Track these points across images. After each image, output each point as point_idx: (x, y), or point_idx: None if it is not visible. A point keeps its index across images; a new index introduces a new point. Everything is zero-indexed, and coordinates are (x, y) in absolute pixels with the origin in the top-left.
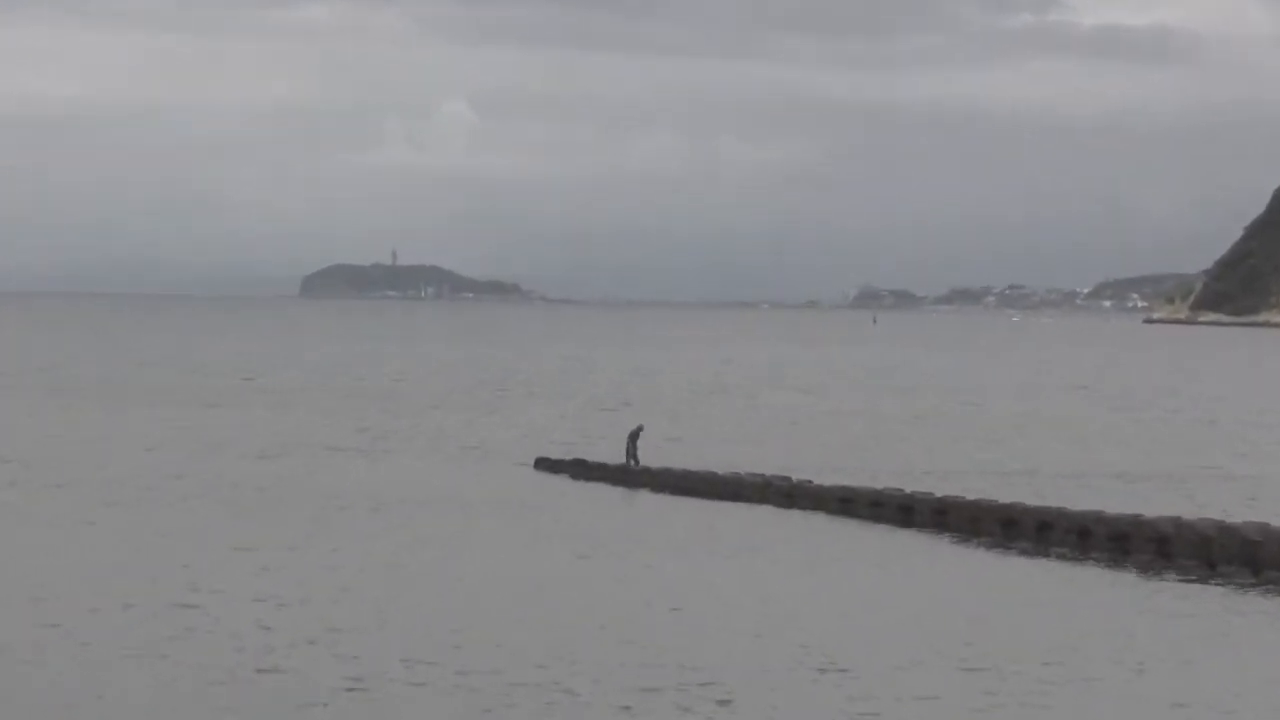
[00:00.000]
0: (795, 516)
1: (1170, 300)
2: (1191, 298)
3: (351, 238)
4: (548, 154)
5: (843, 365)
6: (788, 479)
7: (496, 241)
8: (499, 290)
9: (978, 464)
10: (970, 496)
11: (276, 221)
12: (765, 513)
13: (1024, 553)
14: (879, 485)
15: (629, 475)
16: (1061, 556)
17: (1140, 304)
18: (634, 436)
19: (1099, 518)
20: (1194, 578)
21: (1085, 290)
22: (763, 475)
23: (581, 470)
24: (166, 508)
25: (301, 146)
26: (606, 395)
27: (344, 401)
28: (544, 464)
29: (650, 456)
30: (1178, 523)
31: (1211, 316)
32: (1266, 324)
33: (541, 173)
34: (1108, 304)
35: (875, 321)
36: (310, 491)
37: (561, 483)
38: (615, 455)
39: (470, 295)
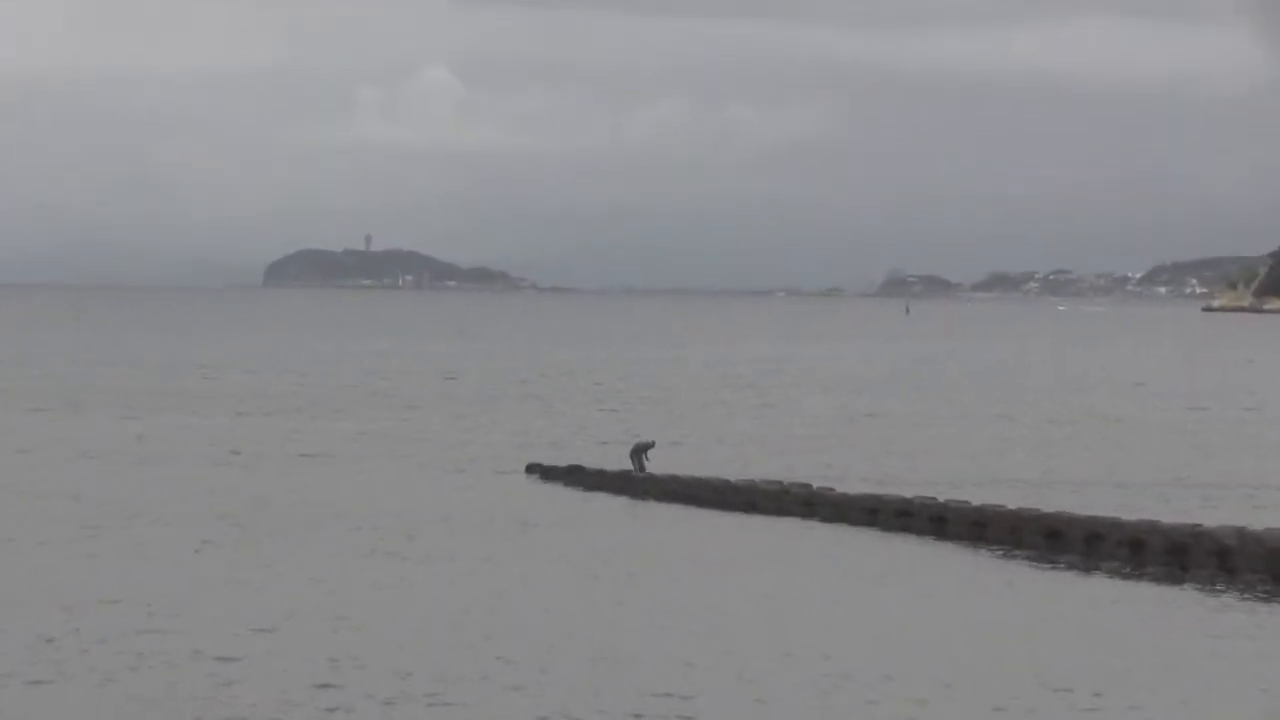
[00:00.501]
0: (816, 528)
1: (1232, 286)
2: (1255, 283)
3: (321, 221)
4: (540, 126)
5: (869, 360)
6: (807, 486)
7: (482, 225)
8: (485, 278)
9: (1020, 469)
10: (1011, 505)
11: (237, 203)
12: (783, 524)
13: (1071, 567)
14: (909, 493)
15: (632, 483)
16: (1113, 571)
17: (1199, 290)
18: (641, 451)
19: (1154, 528)
20: (1260, 594)
21: (1138, 275)
22: (779, 483)
23: (578, 477)
24: (130, 524)
25: (264, 119)
26: (605, 395)
27: (312, 403)
28: (536, 471)
29: (655, 462)
30: (1242, 533)
31: (1277, 304)
32: None
33: (533, 147)
34: (1163, 290)
35: (908, 311)
36: (283, 505)
37: (556, 492)
38: (615, 461)
39: (453, 284)
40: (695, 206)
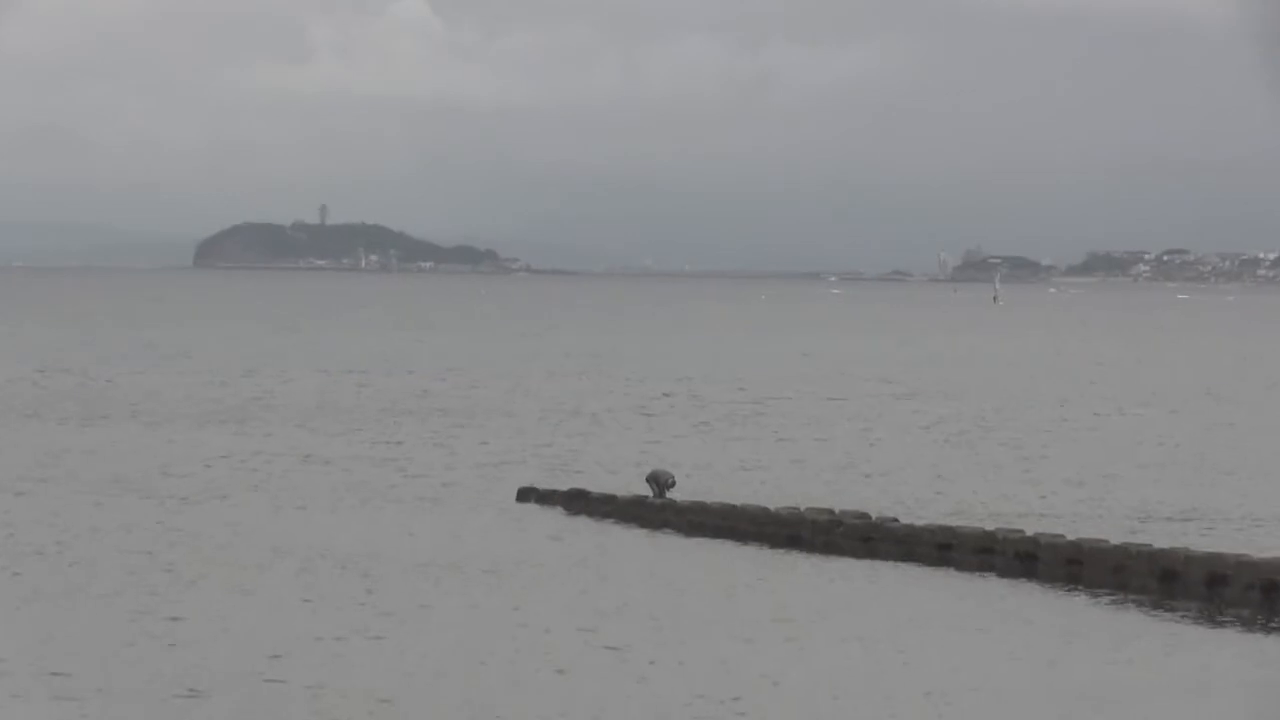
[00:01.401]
0: (879, 569)
1: None
2: None
3: (265, 187)
4: (536, 73)
5: (946, 361)
6: (865, 516)
7: (465, 193)
8: (468, 258)
9: (1132, 497)
10: (1114, 540)
11: (162, 166)
12: (837, 564)
13: (1190, 616)
14: (989, 525)
15: (649, 512)
16: (1242, 620)
17: None
18: (662, 485)
19: None
20: None
21: (1271, 256)
22: (831, 512)
23: (581, 504)
24: (52, 570)
25: (196, 61)
26: (615, 402)
27: (250, 415)
28: (530, 496)
29: (679, 485)
30: None
31: None
32: None
33: (527, 99)
34: None
35: (996, 299)
36: (220, 544)
37: (555, 522)
38: (625, 484)
39: (429, 265)
40: (725, 171)
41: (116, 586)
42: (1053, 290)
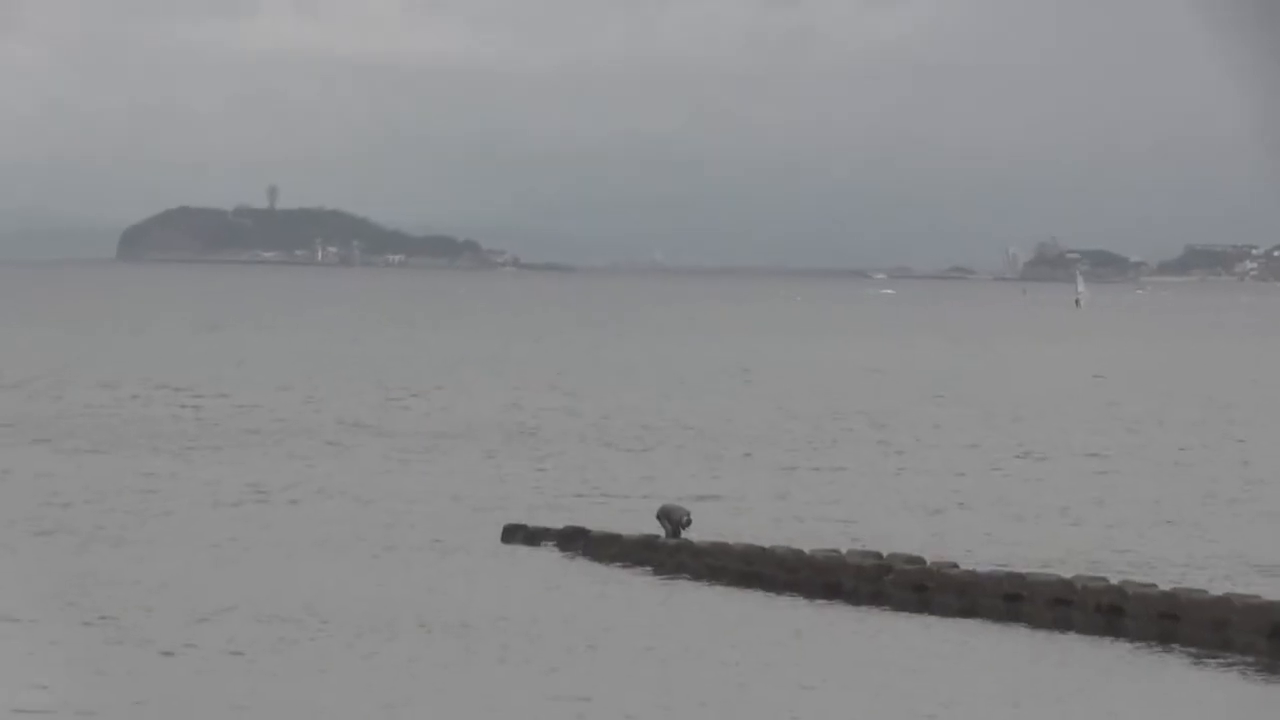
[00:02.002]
0: (936, 625)
1: None
2: None
3: (203, 166)
4: (527, 32)
5: (1019, 375)
6: (919, 562)
7: (442, 174)
8: (445, 250)
9: (1236, 540)
10: (1215, 590)
11: (80, 137)
12: (885, 618)
13: None
14: (1066, 572)
15: (661, 554)
16: None
17: None
18: (676, 522)
19: None
20: None
21: None
22: (878, 555)
23: (579, 544)
24: None
25: (119, 13)
26: (618, 423)
27: (181, 435)
28: (518, 535)
29: (695, 523)
30: None
31: None
32: None
33: (516, 62)
34: None
35: (1079, 303)
36: (144, 599)
37: (548, 566)
38: (632, 521)
39: (398, 258)
40: (749, 149)
41: None
42: (1140, 291)
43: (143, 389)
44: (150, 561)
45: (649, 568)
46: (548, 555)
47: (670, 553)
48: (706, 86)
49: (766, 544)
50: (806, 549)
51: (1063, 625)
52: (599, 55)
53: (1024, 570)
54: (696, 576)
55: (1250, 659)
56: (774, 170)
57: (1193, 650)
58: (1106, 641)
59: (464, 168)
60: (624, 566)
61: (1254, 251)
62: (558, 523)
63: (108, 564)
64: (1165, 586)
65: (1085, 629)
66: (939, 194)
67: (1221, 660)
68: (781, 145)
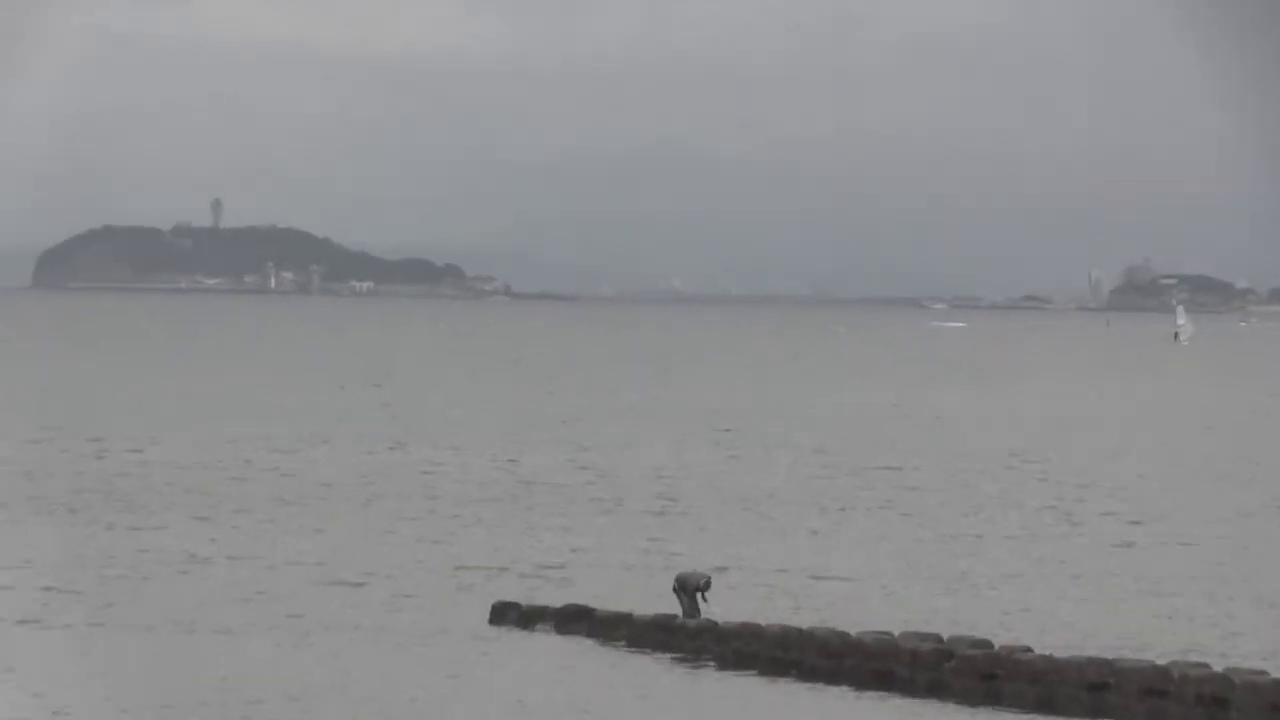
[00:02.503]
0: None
1: None
2: None
3: (133, 179)
4: (525, 22)
5: (1108, 426)
6: (986, 645)
7: (420, 188)
8: (423, 276)
9: None
10: None
11: None
12: (947, 713)
13: None
14: (1160, 659)
15: (676, 637)
16: None
17: None
18: (694, 590)
19: None
20: None
21: None
22: (938, 639)
23: (581, 625)
24: None
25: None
26: (624, 480)
27: (106, 498)
28: (510, 615)
29: (716, 599)
30: None
31: None
32: None
33: (511, 58)
34: None
35: (1178, 337)
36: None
37: (545, 652)
38: (644, 598)
39: (366, 284)
40: (783, 156)
41: None
42: (1244, 324)
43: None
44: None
45: (666, 653)
46: (544, 640)
47: (691, 635)
48: (732, 85)
49: (804, 625)
50: (852, 631)
51: (1157, 719)
52: (610, 52)
53: (1110, 655)
54: (723, 664)
55: None
56: (810, 183)
57: None
58: None
59: (448, 181)
60: (636, 652)
61: None
62: (556, 600)
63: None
64: (1277, 673)
65: None
66: (1007, 210)
67: None
68: (818, 153)
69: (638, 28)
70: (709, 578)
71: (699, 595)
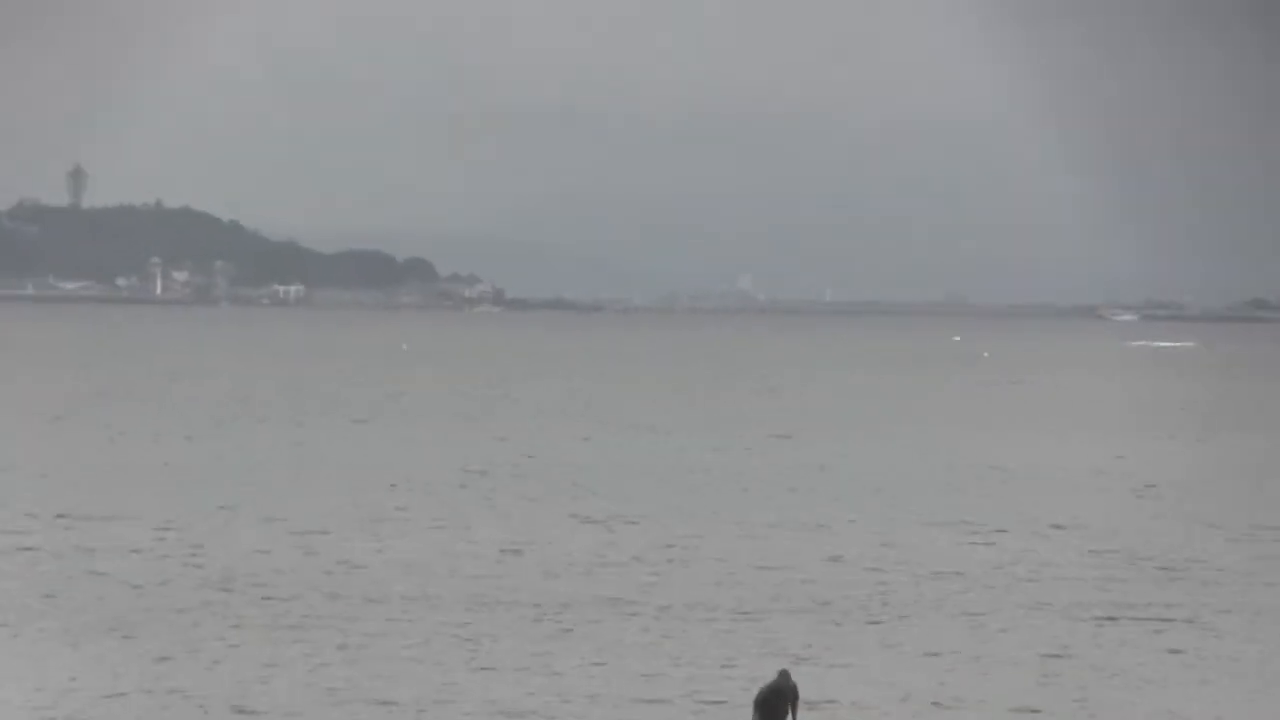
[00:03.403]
0: None
1: None
2: None
3: None
4: None
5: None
6: None
7: (375, 155)
8: (377, 275)
9: None
10: None
11: None
12: None
13: None
14: None
15: None
16: None
17: None
18: (780, 701)
19: None
20: None
21: None
22: None
23: None
24: None
25: None
26: (689, 575)
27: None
28: None
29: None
30: None
31: None
32: None
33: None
34: None
35: None
36: None
37: None
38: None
39: (295, 288)
40: (888, 105)
41: None
42: None
43: None
44: None
45: None
46: None
47: None
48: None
49: None
50: None
51: None
52: None
53: None
54: None
55: None
56: (930, 143)
57: None
58: None
59: (415, 145)
60: None
61: None
62: None
63: None
64: None
65: None
66: (1215, 182)
67: None
68: (943, 102)
69: None
70: (795, 687)
71: (788, 710)
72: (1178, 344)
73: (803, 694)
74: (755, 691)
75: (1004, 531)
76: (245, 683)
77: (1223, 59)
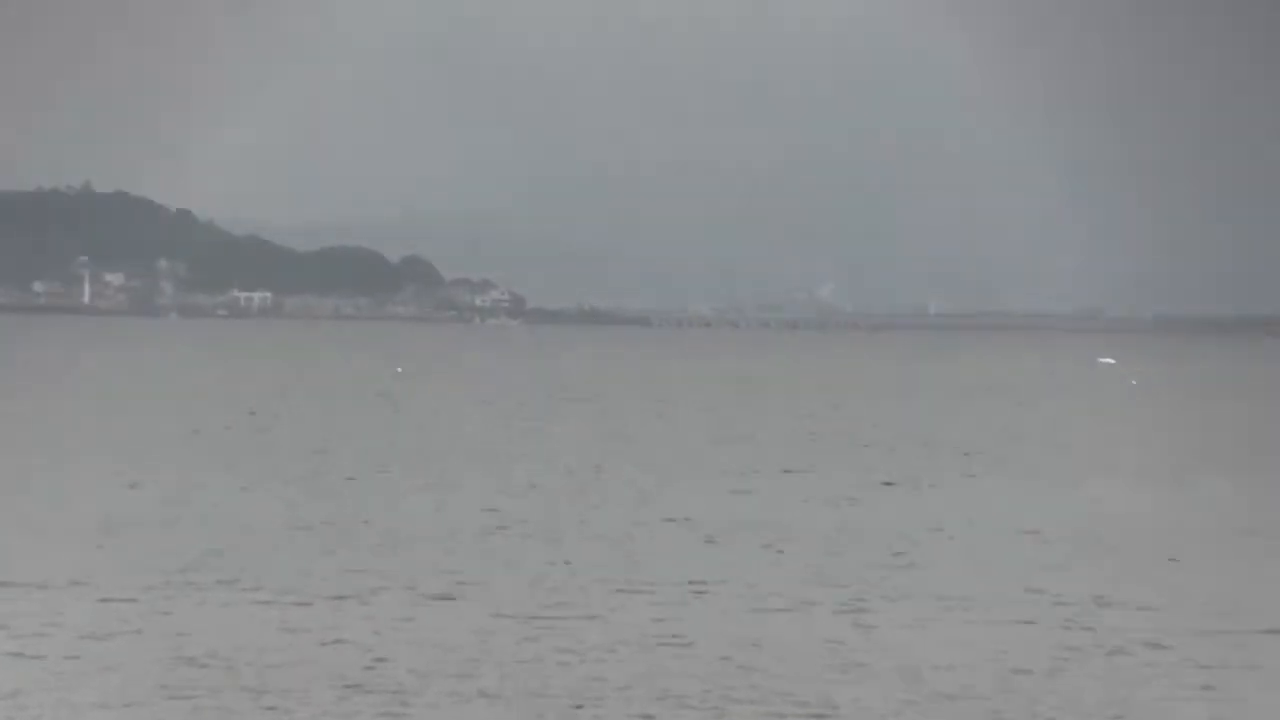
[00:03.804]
0: None
1: None
2: None
3: None
4: None
5: None
6: None
7: (355, 133)
8: (364, 278)
9: None
10: None
11: None
12: None
13: None
14: None
15: None
16: None
17: None
18: None
19: None
20: None
21: None
22: None
23: None
24: None
25: None
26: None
27: None
28: None
29: None
30: None
31: None
32: None
33: None
34: None
35: None
36: None
37: None
38: None
39: (260, 295)
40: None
41: None
42: None
43: None
44: None
45: None
46: None
47: None
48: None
49: None
50: None
51: None
52: None
53: None
54: None
55: None
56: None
57: None
58: None
59: (410, 114)
60: None
61: None
62: None
63: None
64: None
65: None
66: None
67: None
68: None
69: None
70: None
71: None
72: None
73: None
74: None
75: None
76: None
77: None
